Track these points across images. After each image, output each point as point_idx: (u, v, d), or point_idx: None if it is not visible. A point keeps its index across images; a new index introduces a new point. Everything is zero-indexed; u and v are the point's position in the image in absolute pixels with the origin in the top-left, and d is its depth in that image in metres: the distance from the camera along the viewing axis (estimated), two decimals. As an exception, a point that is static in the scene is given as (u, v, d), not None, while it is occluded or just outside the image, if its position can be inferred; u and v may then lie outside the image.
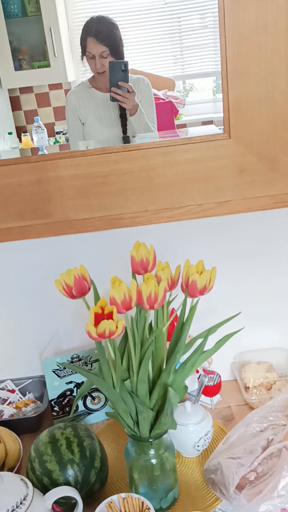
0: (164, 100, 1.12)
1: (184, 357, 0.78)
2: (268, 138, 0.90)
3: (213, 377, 1.01)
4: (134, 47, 1.00)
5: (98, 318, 0.63)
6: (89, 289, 0.76)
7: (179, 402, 0.88)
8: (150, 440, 0.77)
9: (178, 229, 0.99)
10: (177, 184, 0.94)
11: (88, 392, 1.00)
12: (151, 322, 0.78)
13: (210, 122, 1.11)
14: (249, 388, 1.02)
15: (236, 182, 0.93)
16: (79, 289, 0.73)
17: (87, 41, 0.94)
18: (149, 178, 0.93)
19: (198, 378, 1.01)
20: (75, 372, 0.97)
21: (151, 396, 0.74)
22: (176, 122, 1.16)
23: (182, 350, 0.72)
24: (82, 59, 0.97)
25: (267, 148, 0.91)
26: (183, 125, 1.17)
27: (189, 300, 0.75)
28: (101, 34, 0.93)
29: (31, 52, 1.04)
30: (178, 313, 0.77)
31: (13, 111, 1.09)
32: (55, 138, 1.12)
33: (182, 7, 1.03)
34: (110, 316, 0.63)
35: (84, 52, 0.95)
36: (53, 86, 1.07)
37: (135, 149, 0.92)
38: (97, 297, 0.76)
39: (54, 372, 0.96)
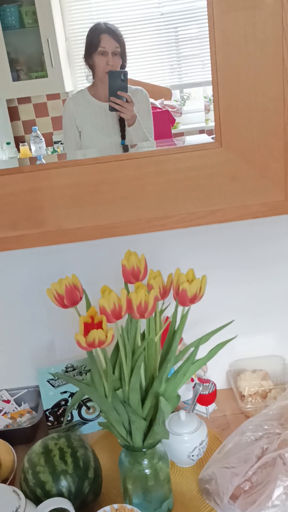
0: (161, 109, 1.12)
1: (177, 366, 0.78)
2: (259, 145, 0.91)
3: (208, 386, 1.01)
4: (131, 57, 1.01)
5: (88, 328, 0.63)
6: (81, 298, 0.76)
7: (173, 411, 0.87)
8: (143, 450, 0.77)
9: (171, 237, 1.00)
10: (170, 192, 0.94)
11: (83, 402, 1.00)
12: (144, 331, 0.78)
13: (208, 131, 1.11)
14: (244, 396, 1.01)
15: (228, 190, 0.93)
16: (70, 298, 0.73)
17: (101, 37, 0.95)
18: (141, 187, 0.94)
19: (194, 386, 1.01)
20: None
21: (143, 406, 0.74)
22: (173, 131, 1.17)
23: (173, 359, 0.72)
24: (86, 61, 0.98)
25: (258, 155, 0.91)
26: (181, 134, 1.18)
27: (180, 308, 0.75)
28: (114, 32, 0.95)
29: (29, 63, 1.05)
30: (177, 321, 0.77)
31: (11, 121, 1.10)
32: (53, 147, 1.13)
33: (178, 17, 1.04)
34: (100, 325, 0.63)
35: (95, 49, 0.96)
36: (51, 96, 1.07)
37: (127, 159, 0.93)
38: (89, 306, 0.76)
39: (48, 382, 0.96)
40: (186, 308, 0.73)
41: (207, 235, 1.01)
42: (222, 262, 1.03)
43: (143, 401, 0.74)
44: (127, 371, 0.70)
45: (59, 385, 0.97)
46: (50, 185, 0.93)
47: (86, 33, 0.99)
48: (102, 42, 0.95)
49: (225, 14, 0.83)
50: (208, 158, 0.92)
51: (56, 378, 0.96)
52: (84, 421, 1.00)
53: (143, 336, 0.77)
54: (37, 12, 1.00)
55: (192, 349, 0.76)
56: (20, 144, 1.12)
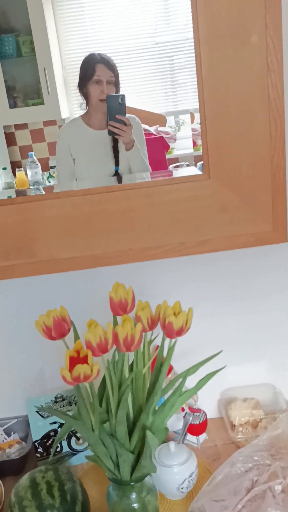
0: (156, 135, 1.15)
1: (168, 395, 0.78)
2: (247, 177, 0.92)
3: (198, 415, 1.00)
4: (127, 84, 1.04)
5: (74, 362, 0.64)
6: (69, 330, 0.76)
7: (164, 441, 0.87)
8: (131, 483, 0.76)
9: (162, 267, 1.01)
10: (160, 223, 0.95)
11: (72, 432, 0.99)
12: (132, 362, 0.78)
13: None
14: (235, 426, 1.01)
15: (217, 221, 0.95)
16: (58, 330, 0.74)
17: (97, 67, 0.97)
18: (132, 218, 0.95)
19: (184, 416, 1.00)
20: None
21: (131, 438, 0.74)
22: (168, 156, 1.19)
23: (160, 392, 0.72)
24: (81, 90, 1.00)
25: (246, 187, 0.93)
26: (175, 159, 1.19)
27: (168, 340, 0.75)
28: (108, 62, 0.97)
29: (26, 91, 1.07)
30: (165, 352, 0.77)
31: (8, 146, 1.11)
32: (49, 172, 1.15)
33: (173, 46, 1.06)
34: (85, 359, 0.64)
35: (89, 78, 0.98)
36: (48, 123, 1.09)
37: (118, 190, 0.95)
38: (77, 338, 0.77)
39: (37, 412, 0.96)
40: (173, 340, 0.74)
41: (198, 265, 1.02)
42: (213, 292, 1.04)
43: (130, 433, 0.74)
44: (113, 404, 0.70)
45: (48, 416, 0.97)
46: (42, 216, 0.94)
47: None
48: (97, 71, 0.98)
49: (212, 52, 0.86)
50: (197, 190, 0.94)
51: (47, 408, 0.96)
52: (74, 452, 1.00)
53: (131, 367, 0.77)
54: (34, 41, 1.02)
55: (180, 380, 0.77)
56: (17, 169, 1.14)
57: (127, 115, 1.02)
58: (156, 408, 0.75)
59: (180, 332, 0.71)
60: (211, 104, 0.89)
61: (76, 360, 0.65)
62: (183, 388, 0.99)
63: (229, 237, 0.96)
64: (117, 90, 1.00)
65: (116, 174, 1.04)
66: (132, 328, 0.67)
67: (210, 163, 0.92)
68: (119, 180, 1.07)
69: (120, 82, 1.02)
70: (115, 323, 0.79)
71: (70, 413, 0.90)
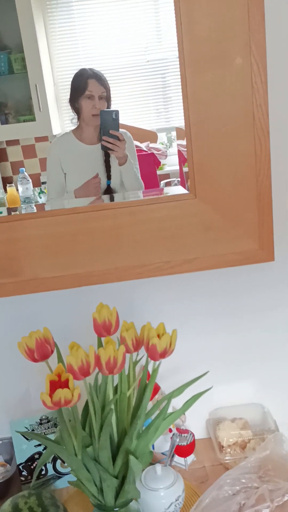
0: (146, 152, 1.15)
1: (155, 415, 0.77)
2: (232, 196, 0.93)
3: (186, 436, 0.99)
4: (118, 101, 1.04)
5: (55, 386, 0.63)
6: (52, 351, 0.75)
7: (151, 463, 0.85)
8: (115, 509, 0.74)
9: (148, 285, 1.00)
10: (145, 242, 0.95)
11: (57, 455, 0.97)
12: (117, 384, 0.77)
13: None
14: (223, 447, 1.00)
15: (202, 240, 0.95)
16: (40, 352, 0.73)
17: (89, 82, 0.98)
18: (117, 236, 0.95)
19: (172, 437, 0.99)
20: (44, 434, 0.95)
21: (115, 463, 0.73)
22: (159, 172, 1.19)
23: (144, 416, 0.71)
24: (72, 105, 1.00)
25: (232, 206, 0.93)
26: (167, 175, 1.20)
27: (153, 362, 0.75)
28: (100, 77, 0.98)
29: (17, 107, 1.07)
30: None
31: None
32: (40, 188, 1.14)
33: (164, 64, 1.07)
34: (67, 383, 0.63)
35: (81, 93, 0.98)
36: (39, 139, 1.09)
37: (103, 209, 0.94)
38: (60, 360, 0.76)
39: (22, 434, 0.94)
40: (157, 362, 0.73)
41: (184, 283, 1.02)
42: (201, 311, 1.03)
43: (114, 457, 0.73)
44: (96, 429, 0.69)
45: (31, 438, 0.95)
46: (27, 235, 0.93)
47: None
48: (89, 87, 0.98)
49: (197, 73, 0.87)
50: (183, 208, 0.94)
51: (30, 429, 0.94)
52: (59, 475, 0.98)
53: (116, 389, 0.76)
54: (26, 59, 1.03)
55: (165, 402, 0.75)
56: (8, 185, 1.14)
57: (120, 130, 1.02)
58: (141, 431, 0.74)
59: (164, 354, 0.71)
60: (197, 124, 0.90)
61: (57, 384, 0.64)
62: (170, 409, 0.98)
63: (216, 255, 0.95)
64: (109, 105, 1.01)
65: (108, 188, 1.04)
66: (115, 350, 0.66)
67: (196, 182, 0.93)
68: (111, 195, 1.07)
69: (112, 98, 1.03)
70: (100, 344, 0.78)
71: (54, 436, 0.88)
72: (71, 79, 1.04)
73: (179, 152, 1.16)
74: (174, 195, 0.94)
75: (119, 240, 0.95)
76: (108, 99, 1.00)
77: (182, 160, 1.12)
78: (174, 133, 1.18)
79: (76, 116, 1.02)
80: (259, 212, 0.94)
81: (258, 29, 0.85)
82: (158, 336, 0.71)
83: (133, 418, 0.73)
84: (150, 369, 0.76)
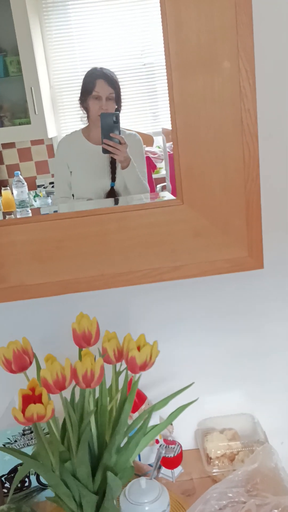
0: None
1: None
2: (221, 203, 0.91)
3: (173, 448, 0.97)
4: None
5: (28, 400, 0.61)
6: (31, 363, 0.73)
7: (137, 475, 0.83)
8: (95, 525, 0.72)
9: (135, 292, 0.98)
10: (133, 248, 0.93)
11: (41, 466, 0.95)
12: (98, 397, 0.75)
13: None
14: (211, 458, 0.97)
15: (191, 246, 0.93)
16: (18, 364, 0.71)
17: (97, 82, 0.97)
18: (104, 242, 0.93)
19: (158, 448, 0.97)
20: (27, 445, 0.93)
21: (94, 478, 0.70)
22: (156, 176, 1.18)
23: (123, 431, 0.69)
24: (81, 104, 0.99)
25: (220, 212, 0.91)
26: (162, 179, 1.18)
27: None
28: (109, 78, 0.96)
29: (13, 110, 1.06)
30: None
31: None
32: (36, 192, 1.13)
33: (160, 68, 1.06)
34: (40, 398, 0.61)
35: (89, 93, 0.97)
36: (35, 142, 1.08)
37: (89, 215, 0.92)
38: (39, 372, 0.73)
39: (4, 445, 0.92)
40: (137, 375, 0.71)
41: (173, 290, 1.00)
42: (190, 319, 1.01)
43: (94, 472, 0.71)
44: (74, 444, 0.67)
45: (16, 449, 0.92)
46: (11, 241, 0.92)
47: (71, 81, 1.02)
48: (96, 87, 0.97)
49: (184, 78, 0.85)
50: (171, 214, 0.92)
51: (13, 441, 0.92)
52: (43, 486, 0.95)
53: (97, 402, 0.74)
54: (21, 61, 1.02)
55: (145, 416, 0.73)
56: (2, 188, 1.13)
57: (128, 131, 1.01)
58: (121, 445, 0.72)
59: (144, 367, 0.69)
60: (183, 129, 0.88)
61: (31, 398, 0.61)
62: (158, 419, 0.96)
63: (204, 262, 0.93)
64: (118, 106, 1.00)
65: (112, 190, 1.02)
66: (93, 363, 0.64)
67: (183, 188, 0.91)
68: (114, 196, 1.06)
69: None
70: (80, 356, 0.76)
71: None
72: (66, 82, 1.03)
73: (170, 155, 1.14)
74: (161, 201, 0.92)
75: (106, 246, 0.93)
76: (117, 100, 0.99)
77: (172, 163, 1.10)
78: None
79: (85, 115, 1.01)
80: (248, 219, 0.92)
81: (246, 33, 0.83)
82: (138, 348, 0.69)
83: (112, 432, 0.71)
84: (124, 381, 0.74)
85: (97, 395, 0.74)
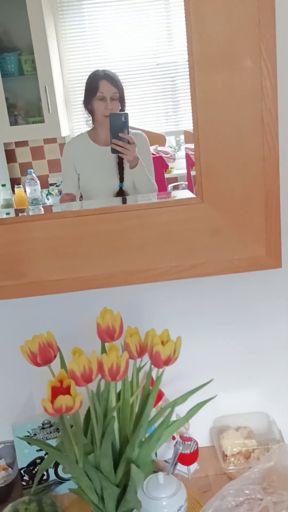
0: (155, 155, 1.14)
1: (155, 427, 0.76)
2: (240, 201, 0.91)
3: (189, 444, 0.97)
4: (127, 104, 1.04)
5: (56, 392, 0.62)
6: (55, 356, 0.74)
7: (154, 471, 0.84)
8: (116, 518, 0.73)
9: (153, 290, 0.99)
10: (152, 245, 0.94)
11: (59, 460, 0.96)
12: (120, 391, 0.75)
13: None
14: (227, 456, 0.98)
15: (210, 244, 0.93)
16: (43, 357, 0.72)
17: (100, 83, 0.97)
18: (123, 240, 0.93)
19: (175, 445, 0.97)
20: (46, 439, 0.94)
21: (116, 471, 0.71)
22: (167, 176, 1.18)
23: (146, 424, 0.69)
24: (86, 106, 1.00)
25: (239, 211, 0.91)
26: (174, 179, 1.19)
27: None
28: (112, 78, 0.97)
29: (26, 108, 1.07)
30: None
31: (8, 163, 1.11)
32: (48, 190, 1.14)
33: (174, 67, 1.07)
34: (68, 390, 0.62)
35: (93, 95, 0.98)
36: (48, 140, 1.09)
37: (109, 212, 0.93)
38: (63, 365, 0.75)
39: (20, 438, 0.93)
40: (161, 370, 0.72)
41: (191, 288, 1.00)
42: (206, 317, 1.02)
43: (116, 466, 0.71)
44: (98, 436, 0.67)
45: (42, 440, 0.93)
46: (31, 237, 0.92)
47: (85, 80, 1.02)
48: (100, 88, 0.98)
49: (206, 76, 0.85)
50: (190, 213, 0.93)
51: (33, 434, 0.93)
52: (61, 480, 0.96)
53: (119, 396, 0.75)
54: (36, 60, 1.03)
55: (168, 410, 0.74)
56: (16, 186, 1.14)
57: (134, 131, 1.01)
58: (143, 439, 0.73)
59: (168, 361, 0.69)
60: (204, 127, 0.88)
61: (59, 390, 0.62)
62: (174, 416, 0.96)
63: (222, 261, 0.94)
64: (123, 106, 1.00)
65: (120, 190, 1.03)
66: (118, 357, 0.65)
67: (204, 186, 0.91)
68: (123, 197, 1.07)
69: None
70: (103, 350, 0.77)
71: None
72: (80, 81, 1.03)
73: (187, 155, 1.15)
74: (181, 199, 0.93)
75: (125, 243, 0.93)
76: (121, 100, 0.99)
77: (190, 163, 1.11)
78: (182, 137, 1.17)
79: (90, 118, 1.02)
80: (267, 218, 0.92)
81: (268, 31, 0.83)
82: (162, 343, 0.70)
83: (135, 426, 0.71)
84: (154, 375, 0.75)
85: (118, 389, 0.75)
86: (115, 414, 0.67)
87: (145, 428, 0.70)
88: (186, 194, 1.04)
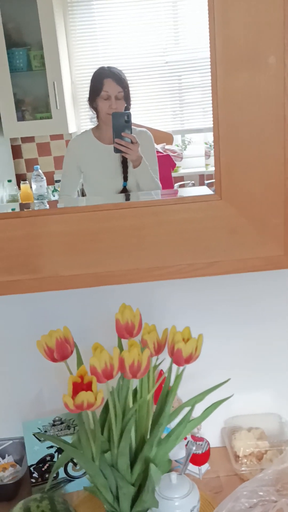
0: (162, 153, 1.14)
1: (170, 425, 0.75)
2: (259, 201, 0.90)
3: (201, 444, 0.96)
4: (135, 102, 1.03)
5: (77, 388, 0.60)
6: (72, 352, 0.73)
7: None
8: (130, 517, 0.72)
9: (168, 287, 0.98)
10: (168, 243, 0.93)
11: (69, 458, 0.95)
12: (135, 388, 0.74)
13: (208, 175, 1.12)
14: (239, 457, 0.97)
15: (226, 243, 0.92)
16: (60, 352, 0.70)
17: (104, 82, 0.97)
18: (140, 236, 0.92)
19: (186, 445, 0.96)
20: (57, 436, 0.93)
21: (132, 470, 0.70)
22: (174, 175, 1.18)
23: (165, 423, 0.68)
24: (91, 104, 0.99)
25: (258, 210, 0.90)
26: (181, 178, 1.18)
27: (176, 367, 0.72)
28: (117, 76, 0.96)
29: (34, 104, 1.07)
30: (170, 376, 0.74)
31: (14, 159, 1.10)
32: (54, 186, 1.13)
33: (182, 66, 1.06)
34: (89, 386, 0.60)
35: (98, 93, 0.97)
36: (54, 137, 1.08)
37: (126, 207, 0.92)
38: (79, 361, 0.74)
39: (34, 435, 0.92)
40: (181, 367, 0.71)
41: (205, 287, 0.99)
42: (220, 316, 1.01)
43: (132, 465, 0.70)
44: (116, 434, 0.66)
45: (45, 439, 0.92)
46: (48, 231, 0.91)
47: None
48: (105, 87, 0.97)
49: (228, 74, 0.85)
50: (208, 210, 0.92)
51: (43, 431, 0.92)
52: (70, 478, 0.95)
53: (134, 393, 0.74)
54: (45, 56, 1.02)
55: (186, 408, 0.73)
56: (21, 182, 1.13)
57: (139, 129, 1.01)
58: (161, 438, 0.72)
59: (189, 359, 0.68)
60: (225, 125, 0.87)
61: (79, 386, 0.61)
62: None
63: (239, 260, 0.93)
64: (128, 105, 0.99)
65: (124, 189, 1.02)
66: (140, 354, 0.64)
67: (222, 183, 0.90)
68: (127, 196, 1.06)
69: (130, 99, 1.01)
70: (120, 346, 0.75)
71: (67, 438, 0.86)
72: (88, 78, 1.03)
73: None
74: (199, 196, 0.92)
75: (141, 240, 0.92)
76: (126, 98, 0.98)
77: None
78: (187, 136, 1.16)
79: (95, 115, 1.01)
80: (286, 218, 0.91)
81: (293, 28, 0.82)
82: (183, 340, 0.69)
83: (154, 424, 0.70)
84: (168, 373, 0.74)
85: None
86: (134, 412, 0.66)
87: (164, 426, 0.69)
88: (193, 191, 1.03)
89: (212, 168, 1.10)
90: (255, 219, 0.91)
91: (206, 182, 1.15)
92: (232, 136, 0.87)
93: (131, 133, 0.97)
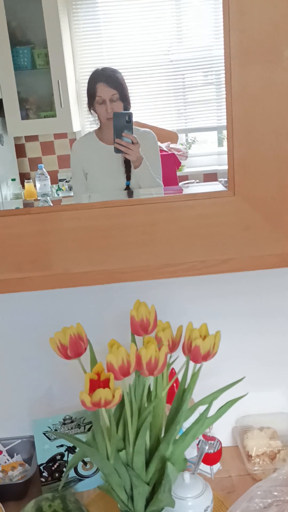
0: (167, 152, 1.13)
1: (184, 424, 0.73)
2: (274, 197, 0.89)
3: (213, 444, 0.95)
4: (139, 101, 1.02)
5: (94, 385, 0.59)
6: (85, 349, 0.72)
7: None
8: (145, 517, 0.71)
9: (180, 284, 0.97)
10: (181, 239, 0.92)
11: (80, 457, 0.94)
12: (149, 385, 0.73)
13: (212, 174, 1.11)
14: (251, 457, 0.96)
15: (240, 240, 0.91)
16: (74, 349, 0.69)
17: (97, 87, 0.96)
18: (152, 233, 0.91)
19: (198, 444, 0.95)
20: (67, 434, 0.91)
21: (147, 469, 0.69)
22: (178, 174, 1.17)
23: (182, 421, 0.67)
24: (89, 109, 0.98)
25: (272, 206, 0.89)
26: (185, 177, 1.18)
27: (191, 365, 0.71)
28: (109, 78, 0.96)
29: (38, 103, 1.06)
30: (180, 377, 0.73)
31: (17, 158, 1.10)
32: (58, 185, 1.13)
33: (186, 65, 1.05)
34: (106, 383, 0.59)
35: (93, 98, 0.96)
36: (58, 135, 1.08)
37: (138, 204, 0.91)
38: (93, 359, 0.72)
39: (44, 434, 0.90)
40: (198, 365, 0.69)
41: (217, 284, 0.98)
42: (231, 313, 1.00)
43: (147, 464, 0.69)
44: (132, 433, 0.65)
45: (55, 438, 0.91)
46: (58, 228, 0.90)
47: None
48: (98, 92, 0.96)
49: (243, 67, 0.83)
50: (221, 206, 0.91)
51: (53, 429, 0.90)
52: (80, 477, 0.94)
53: (149, 392, 0.72)
54: (49, 54, 1.02)
55: (201, 407, 0.72)
56: (25, 180, 1.12)
57: (142, 129, 1.00)
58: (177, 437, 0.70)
59: (207, 356, 0.67)
60: (239, 120, 0.86)
61: (96, 383, 0.60)
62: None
63: (252, 257, 0.92)
64: (125, 105, 0.99)
65: (127, 188, 1.01)
66: (157, 351, 0.63)
67: (236, 180, 0.89)
68: (130, 194, 1.05)
69: (133, 98, 1.00)
70: (134, 343, 0.74)
71: (79, 436, 0.85)
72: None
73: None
74: (212, 192, 0.90)
75: (153, 236, 0.91)
76: (123, 99, 0.97)
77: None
78: (191, 135, 1.16)
79: (97, 116, 1.01)
80: (300, 215, 0.90)
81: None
82: (201, 337, 0.67)
83: (170, 423, 0.69)
84: (185, 371, 0.72)
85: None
86: (151, 410, 0.65)
87: (181, 425, 0.68)
88: (215, 187, 1.02)
89: (187, 170, 1.09)
90: (269, 216, 0.90)
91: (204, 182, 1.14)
92: (246, 131, 0.86)
93: (132, 133, 0.96)
